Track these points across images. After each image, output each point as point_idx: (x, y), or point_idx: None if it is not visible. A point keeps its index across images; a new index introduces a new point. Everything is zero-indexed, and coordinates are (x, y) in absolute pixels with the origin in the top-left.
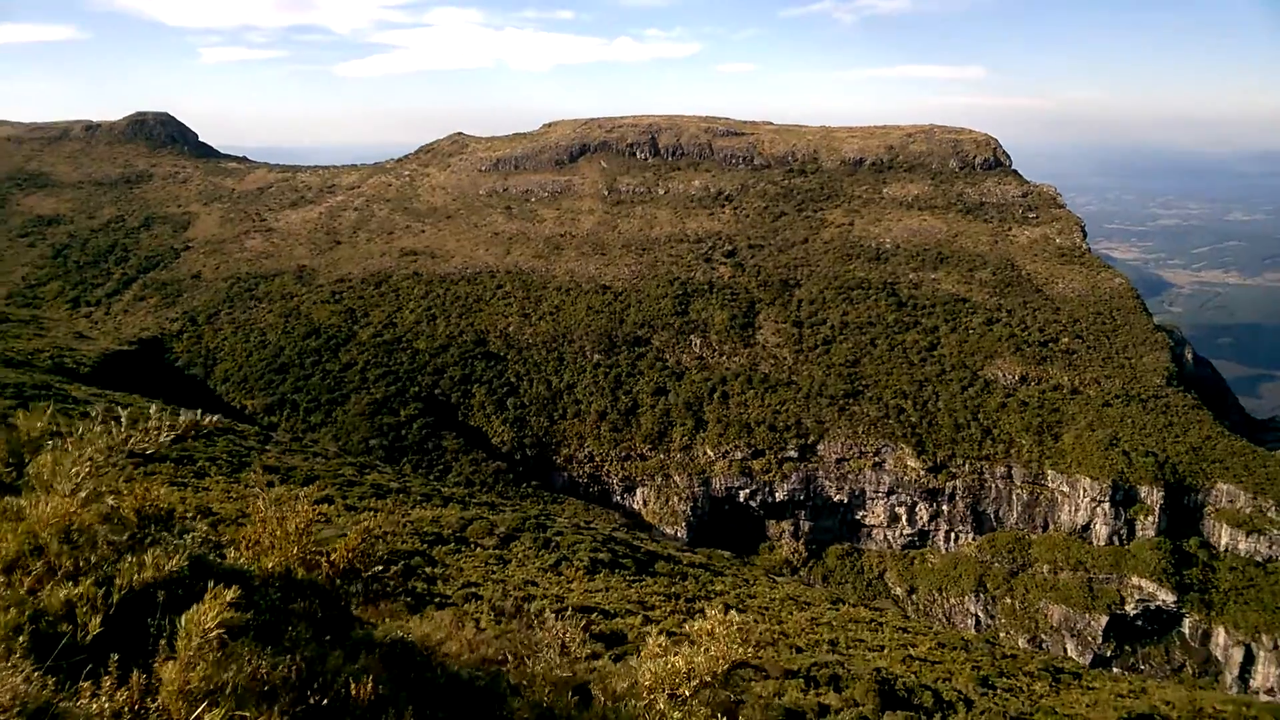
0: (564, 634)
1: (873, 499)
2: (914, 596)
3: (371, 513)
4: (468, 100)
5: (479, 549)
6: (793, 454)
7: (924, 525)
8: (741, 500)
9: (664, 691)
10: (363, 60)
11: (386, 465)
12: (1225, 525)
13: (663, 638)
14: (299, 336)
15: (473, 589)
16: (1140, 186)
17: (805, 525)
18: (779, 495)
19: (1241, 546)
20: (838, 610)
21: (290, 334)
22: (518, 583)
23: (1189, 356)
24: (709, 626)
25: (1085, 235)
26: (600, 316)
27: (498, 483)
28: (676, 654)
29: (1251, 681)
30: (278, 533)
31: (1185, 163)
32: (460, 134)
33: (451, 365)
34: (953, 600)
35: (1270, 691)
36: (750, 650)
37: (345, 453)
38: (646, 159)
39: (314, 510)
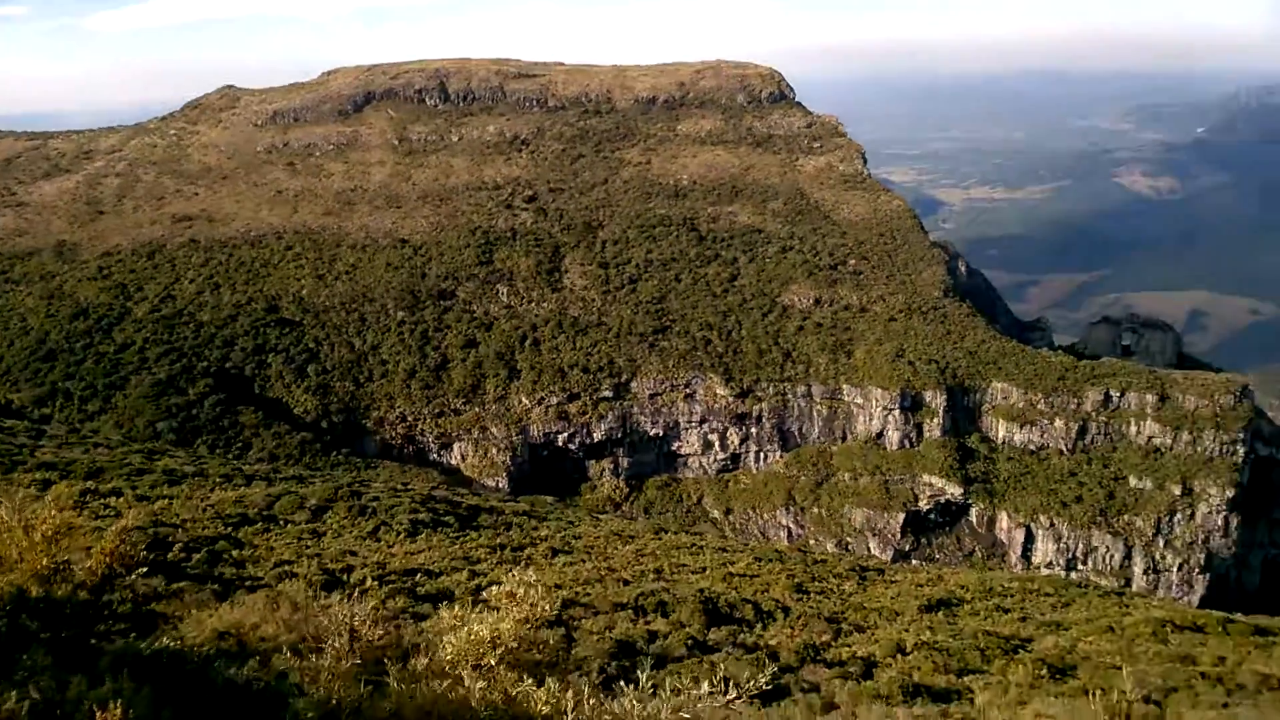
0: (353, 617)
1: (686, 429)
2: (730, 517)
3: (166, 500)
4: (243, 53)
5: (290, 525)
6: (608, 394)
7: (735, 449)
8: (560, 445)
9: (468, 663)
10: (117, 11)
11: (179, 449)
12: (1001, 420)
13: (459, 609)
14: (65, 319)
15: (286, 567)
16: (917, 111)
17: (625, 462)
18: (597, 436)
19: (1017, 438)
20: (660, 540)
21: (55, 317)
22: (335, 554)
23: (962, 269)
24: (509, 589)
25: (866, 162)
26: (400, 272)
27: (305, 454)
28: (478, 621)
29: (1033, 558)
30: (23, 543)
31: (953, 88)
32: (230, 87)
33: (242, 336)
34: (766, 516)
35: (1050, 565)
36: (552, 608)
37: (131, 440)
38: (437, 105)
39: (68, 511)
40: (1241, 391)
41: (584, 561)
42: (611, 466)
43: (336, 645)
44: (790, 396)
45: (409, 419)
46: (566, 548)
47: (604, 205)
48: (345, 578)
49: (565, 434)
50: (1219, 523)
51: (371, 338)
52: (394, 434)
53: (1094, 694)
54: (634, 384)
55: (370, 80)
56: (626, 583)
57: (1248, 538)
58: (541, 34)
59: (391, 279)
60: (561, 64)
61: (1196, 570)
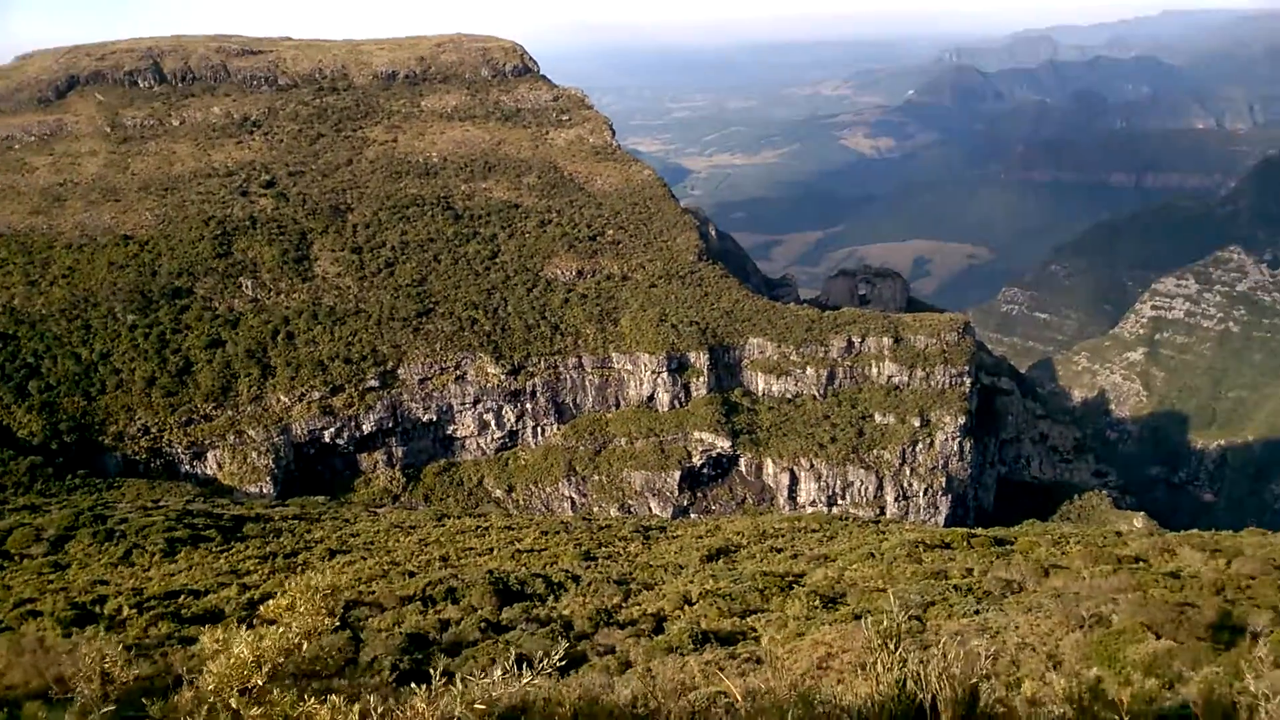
0: (103, 659)
1: (461, 411)
2: (513, 495)
3: None
4: None
5: (27, 560)
6: (374, 383)
7: (512, 426)
8: (328, 441)
9: (233, 690)
10: None
11: None
12: (760, 373)
13: (220, 631)
14: None
15: (29, 606)
16: (657, 83)
17: (399, 451)
18: (367, 427)
19: (775, 388)
20: (444, 526)
21: None
22: (84, 586)
23: (713, 233)
24: (287, 601)
25: (614, 133)
26: (127, 271)
27: (36, 481)
28: (239, 642)
29: (799, 498)
30: None
31: (690, 59)
32: None
33: None
34: (549, 489)
35: (814, 503)
36: (330, 619)
37: None
38: (152, 87)
39: None
40: (964, 328)
41: (365, 559)
42: (385, 458)
43: (87, 692)
44: (562, 369)
45: (153, 430)
46: (345, 547)
47: (351, 187)
48: (99, 610)
49: (332, 429)
50: (955, 448)
51: (100, 345)
52: (137, 448)
53: (864, 618)
54: (401, 370)
55: (73, 63)
56: (412, 574)
57: (980, 459)
58: (262, 9)
59: (117, 280)
60: (289, 39)
61: (940, 493)
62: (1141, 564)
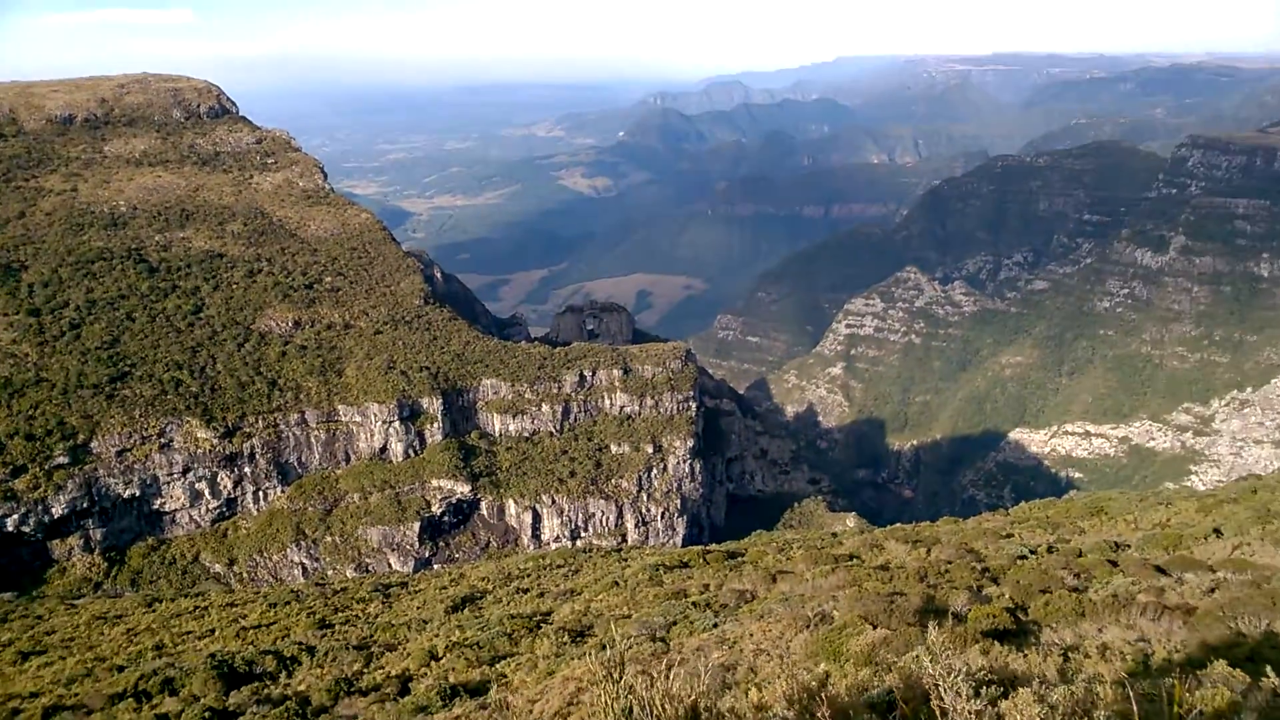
0: None
1: (168, 482)
2: (235, 568)
3: None
4: None
5: None
6: (63, 460)
7: (230, 493)
8: (11, 529)
9: None
10: None
11: None
12: (496, 414)
13: None
14: None
15: None
16: (370, 123)
17: (97, 534)
18: (57, 510)
19: (511, 428)
20: (155, 611)
21: None
22: None
23: (438, 275)
24: None
25: (326, 176)
26: None
27: None
28: None
29: (543, 536)
30: None
31: (405, 100)
32: None
33: None
34: (276, 557)
35: (557, 539)
36: None
37: None
38: None
39: None
40: (687, 356)
41: (65, 658)
42: (82, 542)
43: None
44: (284, 427)
45: None
46: (39, 647)
47: (25, 242)
48: None
49: (15, 516)
50: (687, 470)
51: None
52: None
53: (608, 647)
54: (95, 443)
55: None
56: (122, 668)
57: (710, 478)
58: None
59: None
60: None
61: (676, 515)
62: (856, 560)
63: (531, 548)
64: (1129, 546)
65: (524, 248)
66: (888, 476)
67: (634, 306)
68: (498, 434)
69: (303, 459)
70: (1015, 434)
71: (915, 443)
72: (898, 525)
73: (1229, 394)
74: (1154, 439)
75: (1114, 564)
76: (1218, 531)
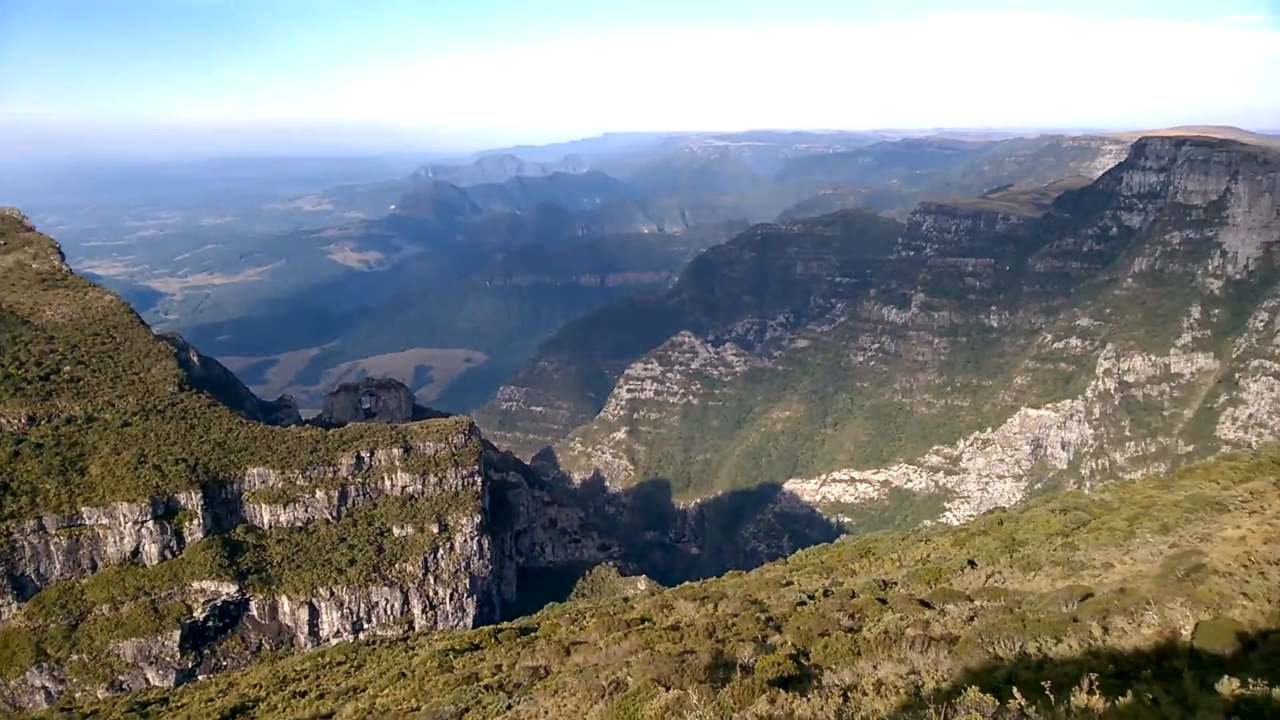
0: None
1: None
2: None
3: None
4: None
5: None
6: None
7: None
8: None
9: None
10: None
11: None
12: (264, 504)
13: None
14: None
15: None
16: (112, 200)
17: None
18: None
19: (283, 518)
20: None
21: None
22: None
23: (194, 359)
24: None
25: (63, 256)
26: None
27: None
28: None
29: (321, 632)
30: None
31: (153, 173)
32: None
33: None
34: (13, 682)
35: (338, 634)
36: None
37: None
38: None
39: None
40: (470, 430)
41: None
42: None
43: None
44: (18, 536)
45: None
46: None
47: None
48: None
49: None
50: (475, 548)
51: None
52: None
53: None
54: None
55: None
56: None
57: (499, 554)
58: None
59: None
60: None
61: (465, 595)
62: (648, 623)
63: (309, 646)
64: (896, 583)
65: (292, 326)
66: (675, 536)
67: (413, 382)
68: (267, 526)
69: (41, 570)
70: (789, 485)
71: (699, 500)
72: (686, 584)
73: (972, 435)
74: (911, 480)
75: (884, 601)
76: (972, 563)
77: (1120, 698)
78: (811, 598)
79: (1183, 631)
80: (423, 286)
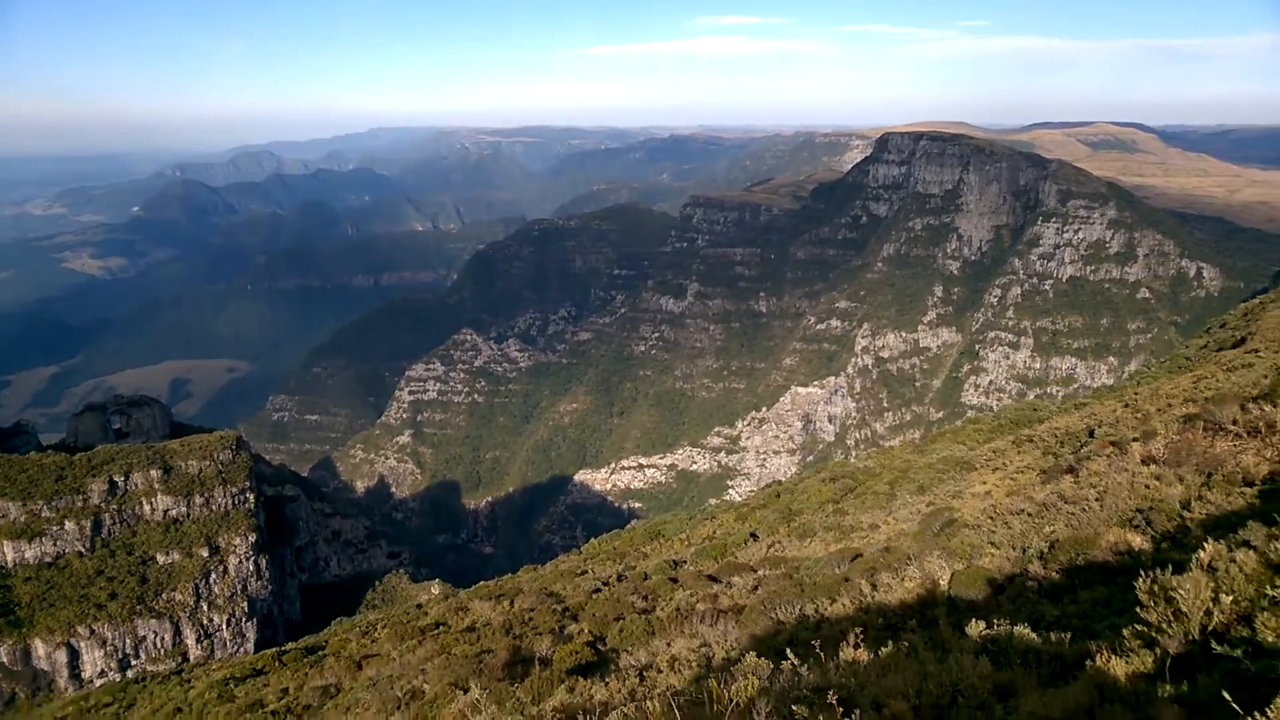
0: None
1: None
2: None
3: None
4: None
5: None
6: None
7: None
8: None
9: None
10: None
11: None
12: (5, 541)
13: None
14: None
15: None
16: None
17: None
18: None
19: (28, 555)
20: None
21: None
22: None
23: None
24: None
25: None
26: None
27: None
28: None
29: (84, 674)
30: None
31: None
32: None
33: None
34: None
35: (104, 674)
36: None
37: None
38: None
39: None
40: (238, 444)
41: None
42: None
43: None
44: None
45: None
46: None
47: None
48: None
49: None
50: (251, 569)
51: None
52: None
53: None
54: None
55: None
56: None
57: (279, 573)
58: None
59: None
60: None
61: (244, 619)
62: (443, 628)
63: (71, 690)
64: (685, 562)
65: (24, 343)
66: (468, 537)
67: (169, 398)
68: (10, 565)
69: None
70: (580, 476)
71: (490, 499)
72: (482, 583)
73: (749, 415)
74: (695, 462)
75: (675, 580)
76: (754, 535)
77: (883, 648)
78: (606, 584)
79: (941, 582)
80: (175, 294)
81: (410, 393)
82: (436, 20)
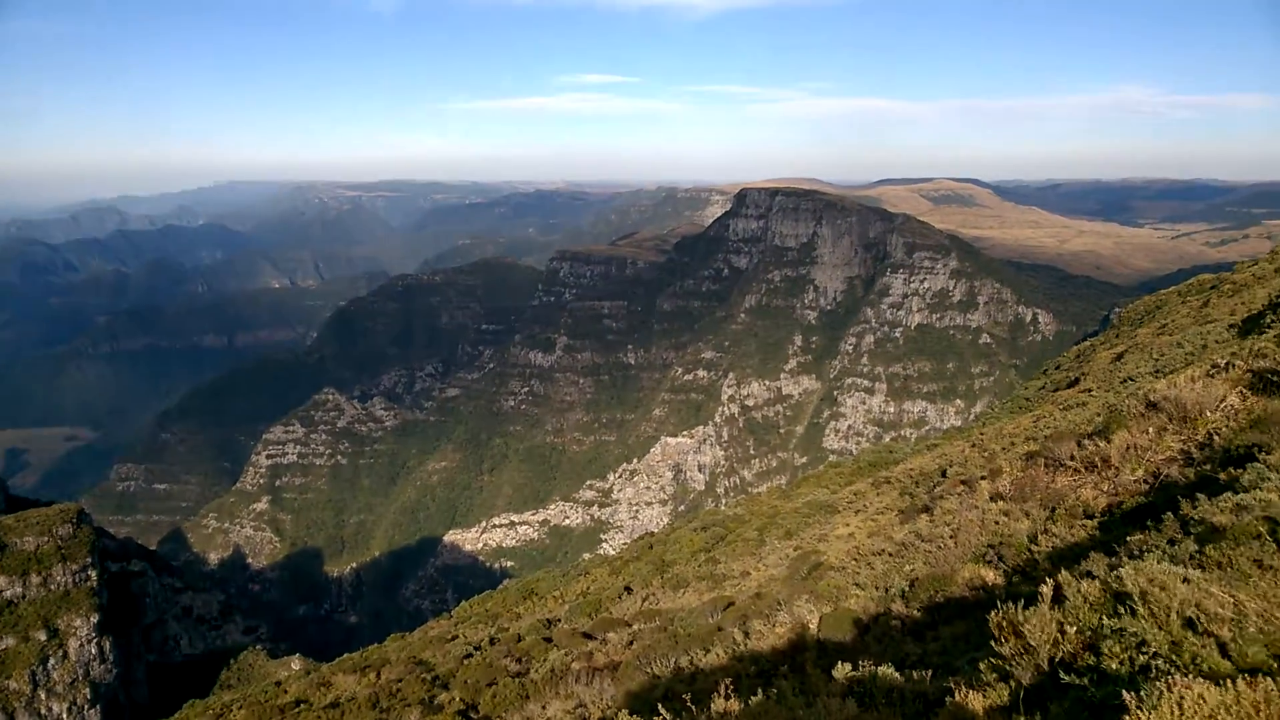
0: None
1: None
2: None
3: None
4: None
5: None
6: None
7: None
8: None
9: None
10: None
11: None
12: None
13: None
14: None
15: None
16: None
17: None
18: None
19: None
20: None
21: None
22: None
23: None
24: None
25: None
26: None
27: None
28: None
29: None
30: None
31: None
32: None
33: None
34: None
35: None
36: None
37: None
38: None
39: None
40: (79, 518)
41: None
42: None
43: None
44: None
45: None
46: None
47: None
48: None
49: None
50: (94, 651)
51: None
52: None
53: None
54: None
55: None
56: None
57: (125, 654)
58: None
59: None
60: None
61: (86, 707)
62: (304, 705)
63: None
64: (559, 620)
65: None
66: (331, 606)
67: (4, 469)
68: None
69: None
70: (449, 536)
71: (355, 565)
72: (346, 655)
73: (620, 467)
74: (568, 517)
75: (549, 640)
76: (629, 589)
77: (752, 697)
78: (478, 648)
79: (810, 625)
80: (8, 359)
81: (268, 456)
82: (289, 71)
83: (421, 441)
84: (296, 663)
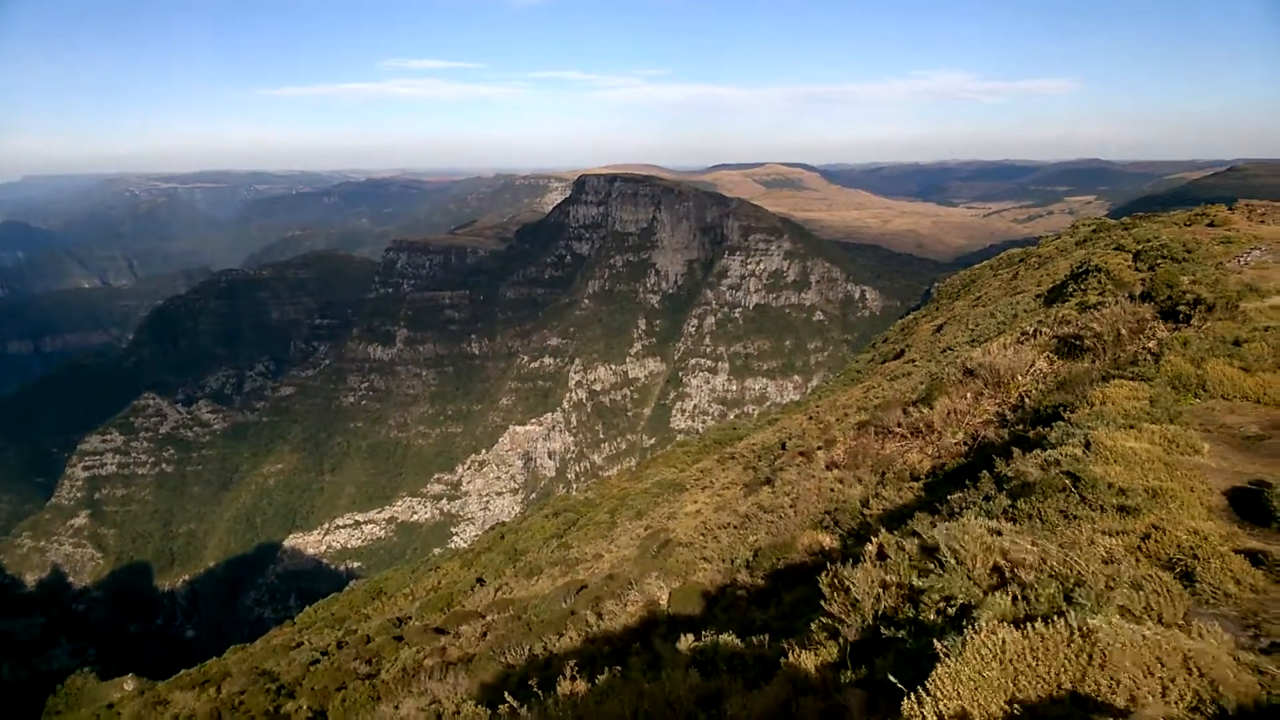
0: None
1: None
2: None
3: None
4: None
5: None
6: None
7: None
8: None
9: None
10: None
11: None
12: None
13: None
14: None
15: None
16: None
17: None
18: None
19: None
20: None
21: None
22: None
23: None
24: None
25: None
26: None
27: None
28: None
29: None
30: None
31: None
32: None
33: None
34: None
35: None
36: None
37: None
38: None
39: None
40: None
41: None
42: None
43: None
44: None
45: None
46: None
47: None
48: None
49: None
50: None
51: None
52: None
53: None
54: None
55: None
56: None
57: None
58: None
59: None
60: None
61: None
62: None
63: None
64: (410, 618)
65: None
66: (165, 622)
67: None
68: None
69: None
70: (290, 541)
71: (188, 577)
72: (184, 672)
73: (469, 458)
74: (416, 513)
75: (400, 639)
76: (481, 580)
77: (599, 676)
78: (325, 653)
79: (661, 601)
80: None
81: (85, 469)
82: (90, 55)
83: (255, 444)
84: (130, 683)
